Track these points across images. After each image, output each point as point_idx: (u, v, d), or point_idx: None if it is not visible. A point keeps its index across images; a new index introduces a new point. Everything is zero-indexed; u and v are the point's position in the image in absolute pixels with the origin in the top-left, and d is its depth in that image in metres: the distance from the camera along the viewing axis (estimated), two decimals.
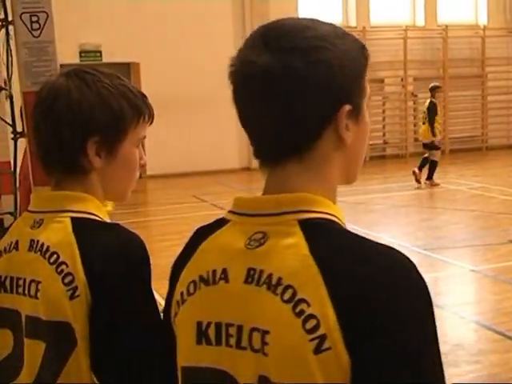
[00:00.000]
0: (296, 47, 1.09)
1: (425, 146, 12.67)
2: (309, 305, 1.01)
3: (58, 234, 1.47)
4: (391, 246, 1.08)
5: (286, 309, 1.03)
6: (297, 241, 1.07)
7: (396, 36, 16.79)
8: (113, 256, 1.43)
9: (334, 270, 1.02)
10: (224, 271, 1.12)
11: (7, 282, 1.52)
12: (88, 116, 1.49)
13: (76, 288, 1.42)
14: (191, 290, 1.15)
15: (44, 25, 2.01)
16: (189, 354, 1.15)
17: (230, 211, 1.18)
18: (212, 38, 14.65)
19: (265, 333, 1.04)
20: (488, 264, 7.51)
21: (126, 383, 1.43)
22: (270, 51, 1.09)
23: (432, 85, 12.70)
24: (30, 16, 1.99)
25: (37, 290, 1.46)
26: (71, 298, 1.42)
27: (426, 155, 12.53)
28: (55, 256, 1.45)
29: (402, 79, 17.24)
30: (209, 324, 1.12)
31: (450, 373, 4.68)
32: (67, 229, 1.48)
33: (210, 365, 1.12)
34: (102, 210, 1.56)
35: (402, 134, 17.43)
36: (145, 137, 1.60)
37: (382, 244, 1.07)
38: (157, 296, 1.48)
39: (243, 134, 1.16)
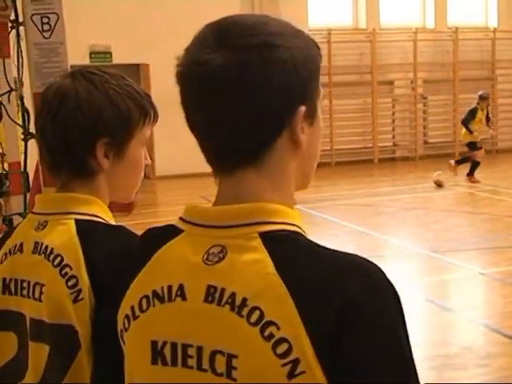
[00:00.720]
0: (252, 44, 1.02)
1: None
2: (278, 328, 0.95)
3: (62, 236, 1.46)
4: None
5: (253, 332, 0.96)
6: (260, 257, 1.00)
7: (406, 38, 16.76)
8: (117, 259, 1.43)
9: (304, 290, 0.96)
10: (181, 287, 1.04)
11: (12, 285, 1.51)
12: (97, 117, 1.48)
13: (80, 291, 1.41)
14: (144, 307, 1.07)
15: (54, 26, 2.01)
16: (143, 373, 1.08)
17: (182, 219, 1.10)
18: None
19: (231, 357, 0.97)
20: (497, 267, 7.48)
21: None
22: (225, 49, 1.02)
23: (483, 94, 12.87)
24: (41, 17, 2.00)
25: (41, 293, 1.45)
26: (75, 301, 1.41)
27: (467, 154, 13.04)
28: (59, 258, 1.44)
29: (411, 81, 17.21)
30: (164, 343, 1.04)
31: (458, 376, 4.67)
32: (71, 231, 1.46)
33: None
34: (106, 212, 1.55)
35: (411, 136, 17.39)
36: (149, 137, 1.60)
37: (351, 254, 1.01)
38: None
39: None
